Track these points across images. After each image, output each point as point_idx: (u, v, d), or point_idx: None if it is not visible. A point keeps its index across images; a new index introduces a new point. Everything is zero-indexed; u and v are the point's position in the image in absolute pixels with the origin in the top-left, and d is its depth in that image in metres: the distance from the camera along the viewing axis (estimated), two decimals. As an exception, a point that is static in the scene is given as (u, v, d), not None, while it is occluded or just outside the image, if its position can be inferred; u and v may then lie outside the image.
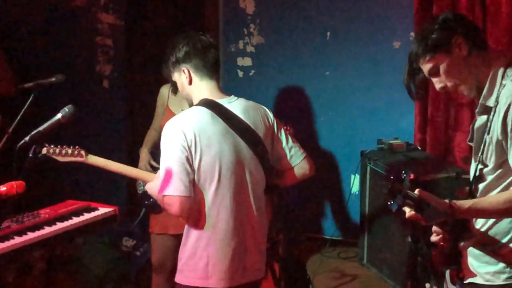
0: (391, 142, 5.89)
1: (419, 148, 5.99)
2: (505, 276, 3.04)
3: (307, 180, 5.89)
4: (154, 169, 4.94)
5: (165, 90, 5.06)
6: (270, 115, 3.76)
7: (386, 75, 6.19)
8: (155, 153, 4.94)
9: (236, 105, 3.65)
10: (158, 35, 5.11)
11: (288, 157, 3.81)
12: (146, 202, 4.98)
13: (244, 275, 3.67)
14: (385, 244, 5.71)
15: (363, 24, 6.26)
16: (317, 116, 6.47)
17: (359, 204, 6.00)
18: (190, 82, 3.68)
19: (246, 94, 6.25)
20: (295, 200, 6.35)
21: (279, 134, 3.80)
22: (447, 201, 2.85)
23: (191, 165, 3.48)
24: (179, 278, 3.69)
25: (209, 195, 3.55)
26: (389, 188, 2.77)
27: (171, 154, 3.49)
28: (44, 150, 4.07)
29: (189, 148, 3.46)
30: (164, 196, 3.49)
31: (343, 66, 6.38)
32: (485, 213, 2.98)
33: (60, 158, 4.16)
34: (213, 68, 3.70)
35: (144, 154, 5.06)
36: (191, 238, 3.63)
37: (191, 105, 3.78)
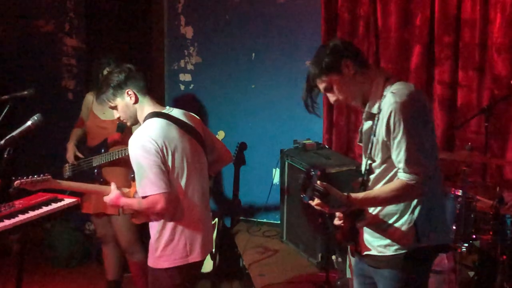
0: (304, 142, 5.96)
1: (327, 147, 6.04)
2: (394, 248, 3.10)
3: (239, 172, 6.06)
4: (78, 159, 4.99)
5: (90, 97, 5.08)
6: (198, 118, 3.81)
7: (300, 88, 6.20)
8: (79, 146, 5.06)
9: (176, 113, 3.69)
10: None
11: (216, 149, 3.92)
12: None
13: (209, 247, 3.78)
14: (301, 225, 5.74)
15: (281, 46, 6.32)
16: (245, 121, 6.51)
17: (279, 192, 6.05)
18: (136, 101, 3.63)
19: (187, 104, 6.49)
20: (228, 189, 6.46)
21: (207, 132, 3.86)
22: (345, 194, 2.95)
23: (166, 166, 3.48)
24: (159, 263, 3.63)
25: (182, 188, 3.57)
26: (302, 185, 2.90)
27: (148, 161, 3.46)
28: (17, 183, 3.82)
29: (161, 152, 3.47)
30: (148, 196, 3.45)
31: (265, 80, 6.43)
32: (375, 201, 3.06)
33: (31, 187, 3.87)
34: (147, 86, 3.70)
35: (70, 146, 5.08)
36: (167, 228, 3.61)
37: (134, 122, 3.72)
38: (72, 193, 4.29)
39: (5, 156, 3.44)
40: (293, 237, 5.93)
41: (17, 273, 3.96)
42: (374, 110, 3.08)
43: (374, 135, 3.08)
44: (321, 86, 3.13)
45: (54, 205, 3.95)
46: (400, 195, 3.01)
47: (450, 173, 5.21)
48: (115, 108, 3.70)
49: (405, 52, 5.84)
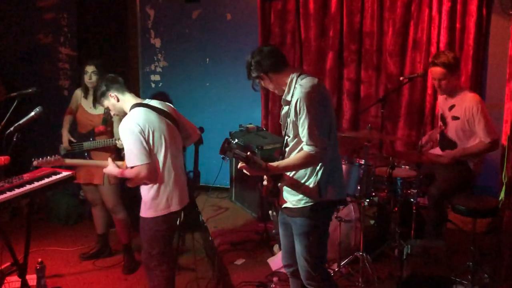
0: (247, 126, 5.96)
1: (264, 129, 6.05)
2: (303, 201, 3.18)
3: (199, 150, 6.04)
4: (71, 143, 4.93)
5: (78, 92, 5.03)
6: (171, 105, 3.84)
7: (243, 84, 5.99)
8: (71, 131, 4.98)
9: (153, 103, 3.73)
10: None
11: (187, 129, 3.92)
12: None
13: (185, 200, 3.79)
14: (245, 188, 5.78)
15: (229, 53, 6.27)
16: (202, 111, 6.44)
17: (229, 164, 6.08)
18: (118, 100, 3.70)
19: (157, 99, 6.20)
20: (190, 163, 6.41)
21: (180, 116, 3.88)
22: (264, 162, 3.00)
23: (147, 144, 3.52)
24: (149, 213, 3.67)
25: (161, 159, 3.61)
26: (220, 148, 2.95)
27: (133, 140, 3.51)
28: (36, 163, 4.02)
29: (143, 132, 3.52)
30: (133, 167, 3.50)
31: (218, 79, 6.38)
32: (287, 168, 3.10)
33: (45, 165, 4.06)
34: (126, 85, 3.76)
35: (64, 133, 4.99)
36: (153, 189, 3.64)
37: (123, 113, 3.72)
38: (70, 168, 4.24)
39: (14, 139, 3.44)
40: (239, 198, 5.95)
41: (26, 230, 3.95)
42: (289, 97, 3.12)
43: (289, 117, 3.14)
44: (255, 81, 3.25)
45: (54, 177, 3.90)
46: (303, 162, 3.06)
47: (355, 147, 5.29)
48: (107, 107, 3.78)
49: (322, 57, 5.90)
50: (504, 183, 4.45)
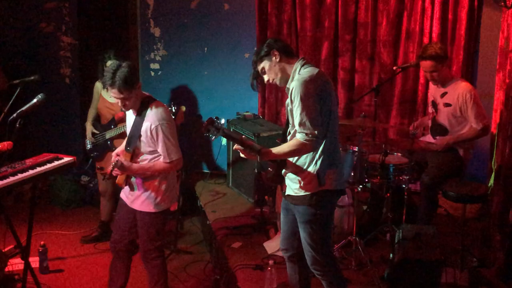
0: (244, 114, 5.93)
1: (261, 117, 6.04)
2: (304, 189, 3.13)
3: (197, 135, 5.96)
4: (94, 135, 4.95)
5: (98, 84, 4.97)
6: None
7: (240, 73, 6.22)
8: (95, 124, 5.01)
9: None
10: (99, 50, 5.17)
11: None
12: (92, 155, 5.06)
13: (176, 199, 3.86)
14: (242, 174, 5.76)
15: (226, 42, 6.26)
16: (201, 99, 6.44)
17: (226, 151, 6.05)
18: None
19: (156, 87, 6.47)
20: (189, 150, 6.44)
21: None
22: (259, 146, 2.99)
23: None
24: (159, 207, 3.60)
25: None
26: (203, 126, 2.87)
27: (173, 132, 3.47)
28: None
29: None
30: (174, 160, 3.48)
31: (216, 68, 6.34)
32: (279, 154, 3.04)
33: None
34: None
35: (88, 125, 5.00)
36: (166, 182, 3.59)
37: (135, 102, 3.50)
38: (70, 153, 4.18)
39: (17, 126, 3.40)
40: (236, 183, 5.93)
41: (29, 213, 3.94)
42: (290, 86, 3.08)
43: (289, 105, 3.11)
44: (258, 68, 3.16)
45: (56, 162, 3.84)
46: (294, 150, 3.02)
47: (349, 135, 5.15)
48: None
49: (317, 47, 5.87)
50: (494, 170, 4.48)
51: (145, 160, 3.56)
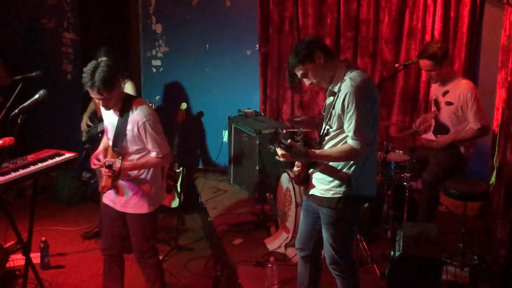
0: (246, 110, 5.95)
1: (262, 114, 6.05)
2: (332, 192, 3.08)
3: (199, 133, 5.94)
4: (89, 126, 5.02)
5: None
6: None
7: (242, 70, 6.23)
8: (91, 116, 5.08)
9: None
10: (100, 46, 5.15)
11: None
12: (85, 146, 5.11)
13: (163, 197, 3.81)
14: (243, 171, 5.77)
15: (228, 39, 6.25)
16: (202, 95, 6.43)
17: (228, 148, 6.05)
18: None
19: (158, 84, 6.46)
20: (190, 146, 6.48)
21: None
22: (306, 148, 2.93)
23: None
24: (151, 207, 3.55)
25: None
26: (270, 139, 2.86)
27: (159, 127, 3.43)
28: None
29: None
30: (166, 154, 3.45)
31: (217, 65, 6.33)
32: (328, 158, 3.03)
33: None
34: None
35: (85, 117, 5.07)
36: (155, 183, 3.57)
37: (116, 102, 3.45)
38: (71, 149, 4.20)
39: (19, 121, 3.37)
40: (237, 180, 5.93)
41: (30, 210, 3.92)
42: (336, 89, 3.00)
43: (334, 109, 3.01)
44: (298, 73, 3.01)
45: (57, 158, 3.81)
46: (346, 156, 2.99)
47: None
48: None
49: (319, 44, 5.87)
50: (495, 168, 4.47)
51: (132, 160, 3.51)
